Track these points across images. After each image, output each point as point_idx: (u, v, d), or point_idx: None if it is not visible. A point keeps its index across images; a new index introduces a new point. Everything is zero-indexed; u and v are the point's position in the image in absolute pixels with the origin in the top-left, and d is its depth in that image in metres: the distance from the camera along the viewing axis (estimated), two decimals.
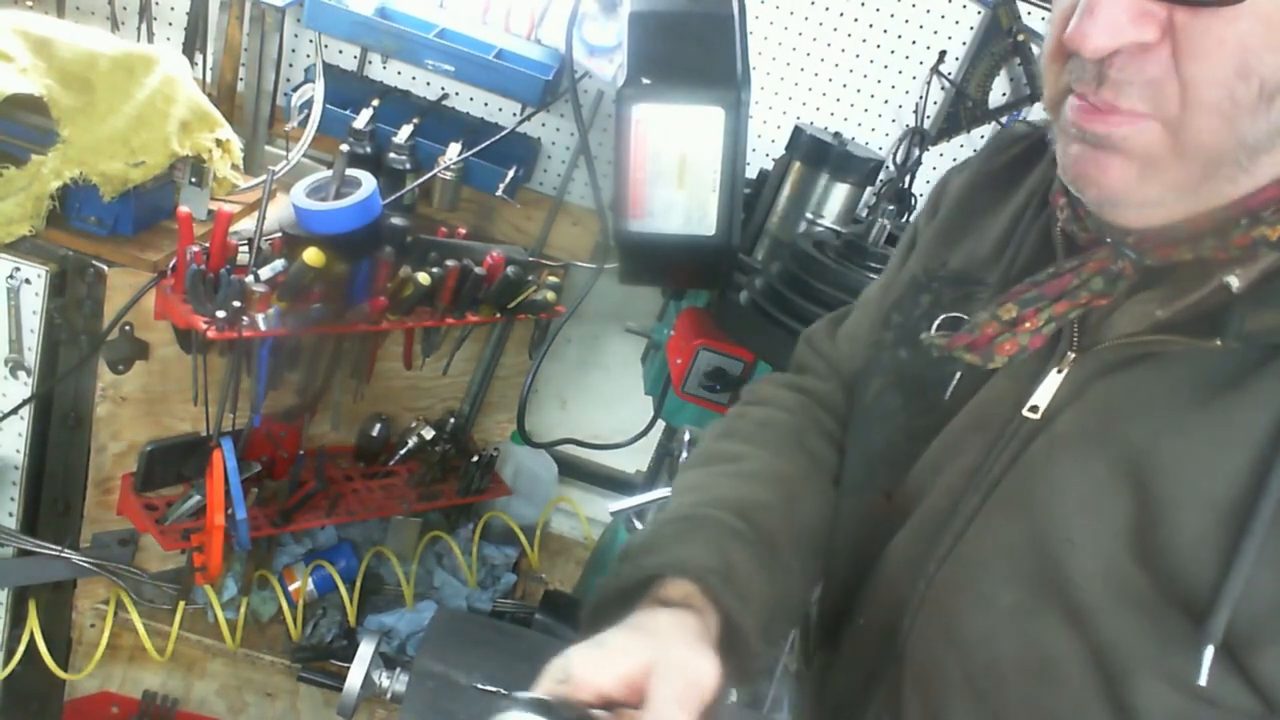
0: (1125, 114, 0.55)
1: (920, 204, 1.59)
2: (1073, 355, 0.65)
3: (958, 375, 0.71)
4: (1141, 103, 0.54)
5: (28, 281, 1.47)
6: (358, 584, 1.98)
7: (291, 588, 1.93)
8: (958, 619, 0.68)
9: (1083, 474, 0.61)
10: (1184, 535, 0.56)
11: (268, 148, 1.95)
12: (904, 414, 0.76)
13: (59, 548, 1.64)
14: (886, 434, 0.78)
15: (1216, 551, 0.55)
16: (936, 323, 0.74)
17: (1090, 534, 0.60)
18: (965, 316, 0.71)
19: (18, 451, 1.59)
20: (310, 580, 1.95)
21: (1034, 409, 0.65)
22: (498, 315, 1.83)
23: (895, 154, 1.96)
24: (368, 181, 1.58)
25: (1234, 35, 0.50)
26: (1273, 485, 0.54)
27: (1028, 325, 0.65)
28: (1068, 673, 0.63)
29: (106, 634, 1.74)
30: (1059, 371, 0.65)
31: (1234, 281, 0.56)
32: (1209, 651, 0.55)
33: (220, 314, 1.44)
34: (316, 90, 1.87)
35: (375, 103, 1.85)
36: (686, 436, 1.64)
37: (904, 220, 1.84)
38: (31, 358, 1.53)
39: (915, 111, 1.95)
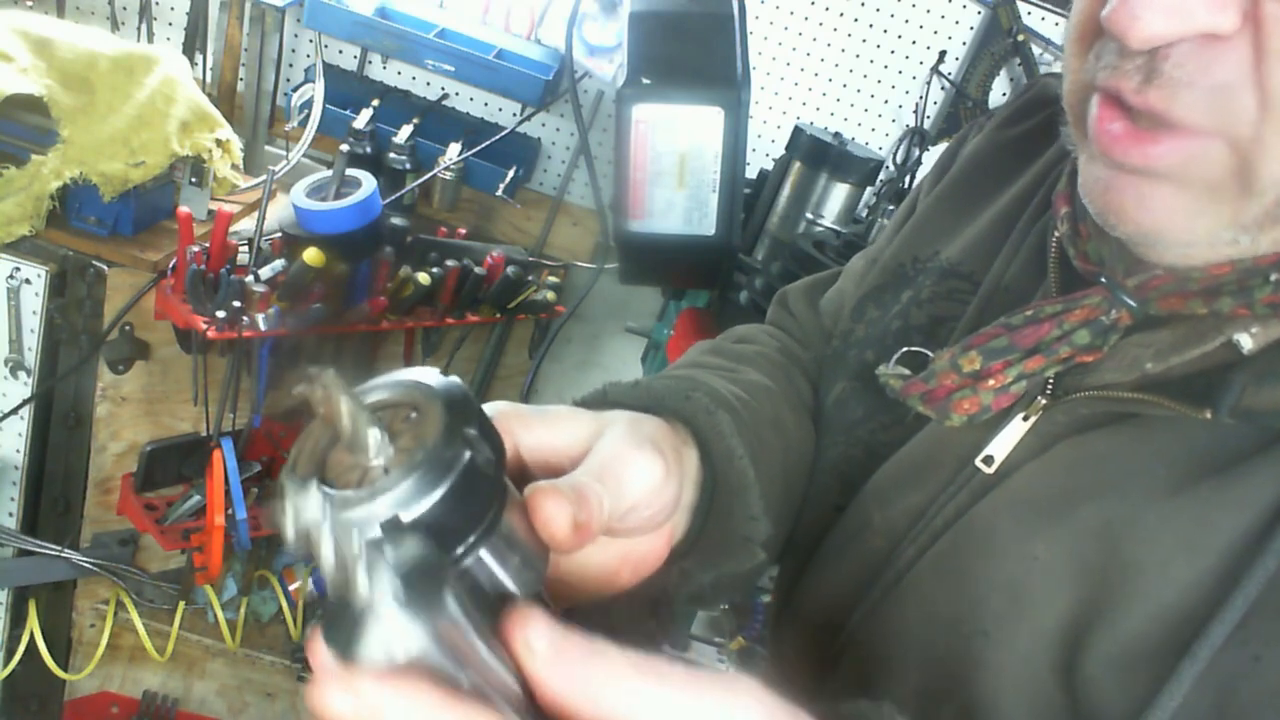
0: (1174, 134, 0.41)
1: None
2: (1044, 402, 0.54)
3: None
4: (1202, 114, 0.40)
5: (28, 281, 1.47)
6: None
7: (291, 588, 1.93)
8: (865, 688, 0.57)
9: (1019, 554, 0.51)
10: (1116, 645, 0.46)
11: (268, 148, 1.95)
12: (865, 427, 0.65)
13: (59, 548, 1.64)
14: (844, 445, 0.67)
15: (1150, 670, 0.45)
16: (896, 356, 0.61)
17: (1010, 627, 0.50)
18: (930, 353, 0.58)
19: (18, 451, 1.59)
20: (310, 580, 1.95)
21: (988, 460, 0.55)
22: (498, 315, 1.83)
23: (895, 154, 1.96)
24: (368, 181, 1.58)
25: None
26: (1235, 602, 0.43)
27: (992, 383, 0.54)
28: None
29: (106, 634, 1.74)
30: (1025, 419, 0.54)
31: (1245, 341, 0.45)
32: None
33: (220, 314, 1.44)
34: (316, 90, 1.87)
35: (375, 103, 1.85)
36: None
37: None
38: (31, 358, 1.53)
39: (915, 111, 1.95)
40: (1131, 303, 0.50)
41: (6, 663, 1.70)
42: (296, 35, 1.92)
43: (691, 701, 0.31)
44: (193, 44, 1.85)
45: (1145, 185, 0.44)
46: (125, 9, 1.85)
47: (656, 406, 0.50)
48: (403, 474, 0.29)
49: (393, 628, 0.28)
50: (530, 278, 1.81)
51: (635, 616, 0.49)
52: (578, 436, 0.42)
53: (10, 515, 1.62)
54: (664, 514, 0.44)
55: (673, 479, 0.44)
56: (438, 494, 0.29)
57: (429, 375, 0.32)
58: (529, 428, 0.42)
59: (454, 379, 0.32)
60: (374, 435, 0.30)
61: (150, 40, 1.85)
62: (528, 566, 0.34)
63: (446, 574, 0.28)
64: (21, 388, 1.54)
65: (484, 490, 0.31)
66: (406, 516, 0.29)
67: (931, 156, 1.98)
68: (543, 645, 0.30)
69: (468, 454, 0.30)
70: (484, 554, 0.32)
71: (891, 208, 1.76)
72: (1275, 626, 0.43)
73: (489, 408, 0.41)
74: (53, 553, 1.64)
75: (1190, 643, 0.44)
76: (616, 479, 0.40)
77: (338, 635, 0.28)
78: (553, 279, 1.88)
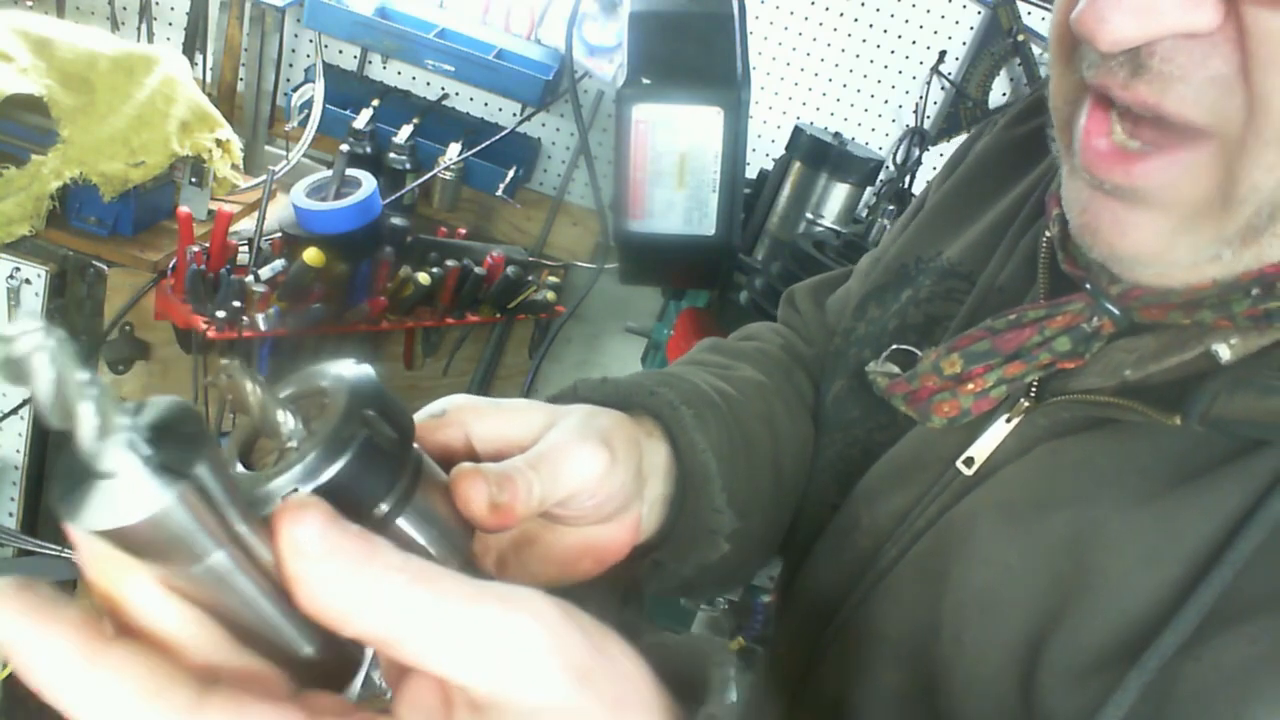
0: (1160, 153, 0.40)
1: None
2: (1026, 404, 0.53)
3: None
4: (1198, 108, 0.38)
5: (28, 281, 1.47)
6: None
7: None
8: (844, 687, 0.58)
9: (993, 561, 0.50)
10: (1071, 656, 0.46)
11: (268, 148, 1.95)
12: (861, 426, 0.65)
13: (59, 548, 1.64)
14: (841, 444, 0.66)
15: (1102, 681, 0.44)
16: (885, 353, 0.61)
17: (982, 636, 0.50)
18: (918, 352, 0.58)
19: (18, 451, 1.59)
20: None
21: (969, 461, 0.55)
22: (498, 315, 1.83)
23: (895, 154, 1.96)
24: (368, 181, 1.58)
25: None
26: (1188, 612, 0.42)
27: (971, 386, 0.54)
28: None
29: None
30: (1008, 420, 0.54)
31: (1222, 352, 0.45)
32: None
33: (220, 314, 1.44)
34: (316, 90, 1.87)
35: (375, 103, 1.85)
36: None
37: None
38: None
39: (915, 111, 1.95)
40: (1114, 310, 0.50)
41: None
42: (296, 35, 1.92)
43: (466, 622, 0.28)
44: (193, 44, 1.85)
45: (1122, 209, 0.43)
46: (125, 9, 1.85)
47: (621, 402, 0.51)
48: (305, 452, 0.31)
49: (125, 487, 0.24)
50: (530, 278, 1.81)
51: (604, 607, 0.47)
52: (531, 428, 0.43)
53: (10, 515, 1.62)
54: (612, 504, 0.45)
55: (619, 471, 0.44)
56: (335, 468, 0.31)
57: (344, 367, 0.34)
58: (482, 419, 0.43)
59: (366, 369, 0.34)
60: (284, 419, 0.31)
61: (150, 40, 1.85)
62: (446, 538, 0.37)
63: (204, 447, 0.25)
64: (22, 388, 1.54)
65: (385, 466, 0.33)
66: (305, 489, 0.30)
67: (931, 156, 1.98)
68: (313, 542, 0.27)
69: (365, 433, 0.32)
70: (401, 524, 0.35)
71: (892, 208, 1.76)
72: (1227, 636, 0.42)
73: (446, 401, 0.44)
74: (53, 553, 1.63)
75: (1140, 652, 0.43)
76: (552, 467, 0.41)
77: (67, 493, 0.25)
78: (553, 279, 1.88)
